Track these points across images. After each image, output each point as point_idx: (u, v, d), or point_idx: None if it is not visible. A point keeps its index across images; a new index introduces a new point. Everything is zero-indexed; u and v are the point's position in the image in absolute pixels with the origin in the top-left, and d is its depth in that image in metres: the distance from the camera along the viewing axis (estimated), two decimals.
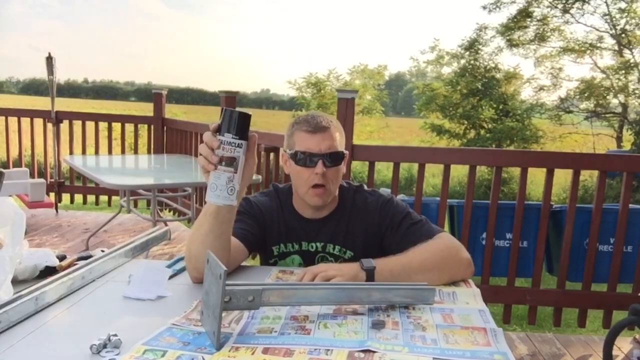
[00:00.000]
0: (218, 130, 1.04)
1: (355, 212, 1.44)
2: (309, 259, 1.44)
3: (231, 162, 1.01)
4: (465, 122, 12.44)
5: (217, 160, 1.03)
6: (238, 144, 1.02)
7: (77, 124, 5.42)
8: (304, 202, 1.42)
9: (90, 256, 1.31)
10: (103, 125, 5.55)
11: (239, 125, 1.01)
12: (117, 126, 5.59)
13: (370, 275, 1.17)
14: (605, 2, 11.70)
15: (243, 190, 1.15)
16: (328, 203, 1.42)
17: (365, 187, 1.51)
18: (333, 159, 1.35)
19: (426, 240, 1.30)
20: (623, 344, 2.78)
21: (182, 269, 1.31)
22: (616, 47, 12.06)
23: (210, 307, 0.90)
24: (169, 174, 4.34)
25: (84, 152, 5.38)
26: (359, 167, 9.83)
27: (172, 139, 5.41)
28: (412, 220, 1.40)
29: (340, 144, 1.38)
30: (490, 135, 11.84)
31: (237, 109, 1.04)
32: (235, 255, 1.28)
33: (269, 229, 1.43)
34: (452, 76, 13.10)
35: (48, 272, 1.25)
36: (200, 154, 1.06)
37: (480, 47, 12.91)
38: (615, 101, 12.10)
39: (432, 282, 1.18)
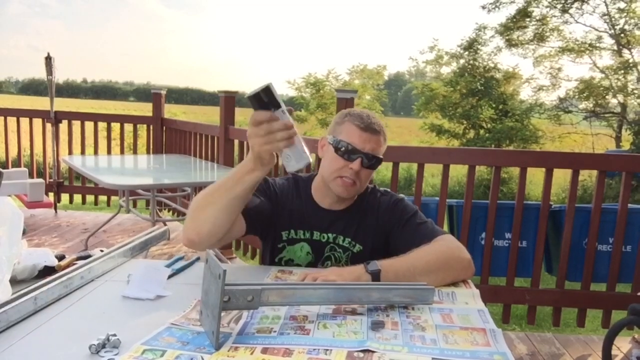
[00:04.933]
0: (266, 108, 1.03)
1: (369, 209, 1.46)
2: (317, 249, 1.45)
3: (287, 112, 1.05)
4: (465, 122, 12.46)
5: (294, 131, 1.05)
6: (284, 110, 1.04)
7: (76, 124, 5.41)
8: (325, 192, 1.44)
9: (89, 256, 1.31)
10: (102, 125, 5.55)
11: (275, 97, 1.03)
12: (116, 126, 5.58)
13: (375, 278, 1.17)
14: (605, 2, 11.73)
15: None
16: (349, 198, 1.44)
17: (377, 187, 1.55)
18: (371, 161, 1.37)
19: (429, 241, 1.32)
20: (622, 344, 2.78)
21: (182, 269, 1.31)
22: (615, 47, 12.09)
23: (210, 306, 0.90)
24: (168, 174, 4.34)
25: (83, 152, 5.37)
26: None
27: (171, 139, 5.41)
28: (418, 220, 1.42)
29: (381, 151, 1.40)
30: (489, 135, 11.86)
31: (259, 88, 1.02)
32: (233, 227, 1.25)
33: (281, 212, 1.44)
34: (451, 76, 13.13)
35: (47, 271, 1.25)
36: (280, 139, 1.04)
37: (479, 47, 12.94)
38: (614, 101, 12.13)
39: (435, 283, 1.19)
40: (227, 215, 1.17)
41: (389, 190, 1.53)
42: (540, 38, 12.71)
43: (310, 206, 1.45)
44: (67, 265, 1.28)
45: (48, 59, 4.84)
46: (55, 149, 5.16)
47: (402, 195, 1.52)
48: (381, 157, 1.39)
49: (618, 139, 11.85)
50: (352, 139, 1.36)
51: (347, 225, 1.44)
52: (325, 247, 1.44)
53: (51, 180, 5.22)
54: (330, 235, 1.44)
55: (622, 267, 2.90)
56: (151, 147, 5.49)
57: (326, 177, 1.40)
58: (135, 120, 5.87)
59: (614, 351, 2.50)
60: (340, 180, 1.37)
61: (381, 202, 1.46)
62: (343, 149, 1.35)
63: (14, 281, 1.14)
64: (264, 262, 1.54)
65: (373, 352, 0.87)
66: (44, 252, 1.32)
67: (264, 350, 0.87)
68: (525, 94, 13.88)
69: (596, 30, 12.24)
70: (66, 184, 5.42)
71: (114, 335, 0.88)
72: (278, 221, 1.44)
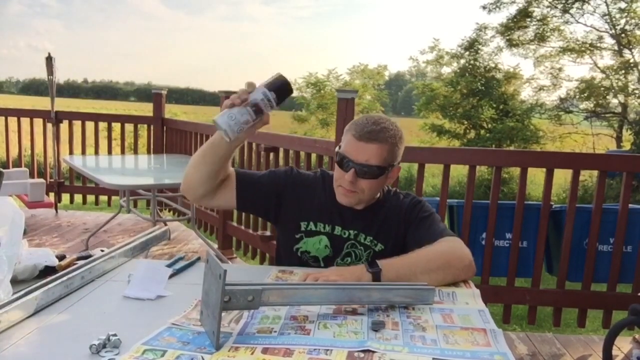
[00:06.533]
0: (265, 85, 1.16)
1: (392, 210, 1.47)
2: (337, 244, 1.45)
3: (258, 112, 1.12)
4: (466, 122, 12.44)
5: (247, 102, 1.14)
6: (271, 105, 1.14)
7: (77, 124, 5.41)
8: None
9: (90, 256, 1.31)
10: (103, 125, 5.54)
11: (281, 94, 1.14)
12: (116, 126, 5.58)
13: (376, 278, 1.18)
14: (605, 2, 11.71)
15: (241, 141, 1.29)
16: (357, 205, 1.43)
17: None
18: (366, 172, 1.33)
19: (434, 241, 1.33)
20: (623, 344, 2.78)
21: (182, 269, 1.31)
22: (616, 47, 12.07)
23: (210, 306, 0.90)
24: (168, 174, 4.34)
25: (83, 152, 5.37)
26: None
27: (171, 139, 5.40)
28: (431, 222, 1.43)
29: (382, 159, 1.34)
30: (490, 136, 11.84)
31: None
32: (224, 187, 1.39)
33: (298, 201, 1.45)
34: (452, 76, 13.10)
35: (47, 271, 1.25)
36: (238, 92, 1.17)
37: (480, 47, 12.91)
38: (615, 101, 12.10)
39: (436, 282, 1.19)
40: (203, 172, 1.32)
41: (410, 192, 1.54)
42: (540, 38, 12.68)
43: (334, 202, 1.45)
44: (68, 265, 1.28)
45: (49, 59, 4.84)
46: (55, 149, 5.16)
47: (422, 198, 1.53)
48: (380, 165, 1.34)
49: (619, 139, 11.83)
50: (347, 149, 1.36)
51: (370, 223, 1.45)
52: (346, 243, 1.45)
53: (52, 180, 5.22)
54: (351, 232, 1.44)
55: (622, 267, 2.90)
56: (152, 147, 5.49)
57: (333, 185, 1.42)
58: (136, 120, 5.86)
59: (614, 351, 2.49)
60: (341, 189, 1.38)
61: (403, 203, 1.47)
62: (339, 159, 1.37)
63: (15, 281, 1.14)
64: (277, 252, 1.56)
65: (373, 352, 0.87)
66: (45, 252, 1.32)
67: (265, 350, 0.87)
68: (526, 94, 13.82)
69: (597, 30, 12.22)
70: (67, 184, 5.42)
71: (115, 335, 0.88)
72: (295, 210, 1.45)
